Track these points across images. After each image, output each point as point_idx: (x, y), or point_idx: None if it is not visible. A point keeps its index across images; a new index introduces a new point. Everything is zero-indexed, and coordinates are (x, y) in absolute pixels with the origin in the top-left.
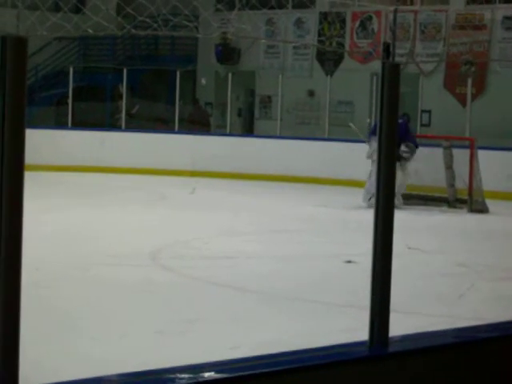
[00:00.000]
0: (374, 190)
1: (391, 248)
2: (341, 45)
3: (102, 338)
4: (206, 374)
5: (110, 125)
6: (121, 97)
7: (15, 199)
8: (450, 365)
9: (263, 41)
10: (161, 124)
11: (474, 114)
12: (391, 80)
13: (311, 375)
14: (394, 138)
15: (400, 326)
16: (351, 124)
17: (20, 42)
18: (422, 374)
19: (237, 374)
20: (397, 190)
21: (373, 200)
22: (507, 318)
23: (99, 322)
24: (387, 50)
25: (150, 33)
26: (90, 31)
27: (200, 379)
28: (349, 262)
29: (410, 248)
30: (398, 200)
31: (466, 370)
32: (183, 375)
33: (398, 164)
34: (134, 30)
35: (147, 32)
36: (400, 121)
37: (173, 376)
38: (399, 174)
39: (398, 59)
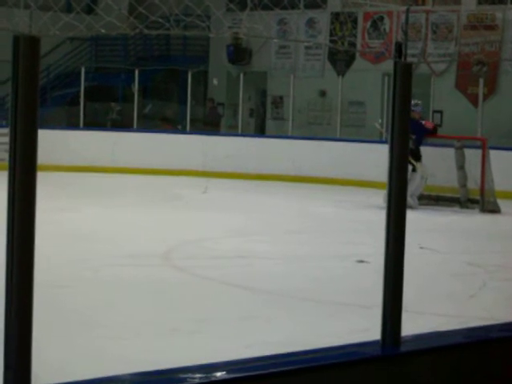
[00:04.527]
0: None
1: (403, 248)
2: (352, 44)
3: (115, 337)
4: (218, 374)
5: (104, 125)
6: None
7: (28, 199)
8: (462, 364)
9: (275, 41)
10: (167, 124)
11: (485, 114)
12: (403, 79)
13: (324, 374)
14: (406, 137)
15: (412, 325)
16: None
17: (33, 42)
18: (434, 374)
19: (249, 374)
20: (413, 191)
21: (416, 200)
22: None
23: (112, 322)
24: (399, 50)
25: (162, 32)
26: (103, 31)
27: (212, 379)
28: (361, 261)
29: (422, 248)
30: (413, 201)
31: (478, 369)
32: (195, 375)
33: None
34: (146, 30)
35: (159, 31)
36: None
37: (185, 375)
38: (417, 177)
39: (409, 59)
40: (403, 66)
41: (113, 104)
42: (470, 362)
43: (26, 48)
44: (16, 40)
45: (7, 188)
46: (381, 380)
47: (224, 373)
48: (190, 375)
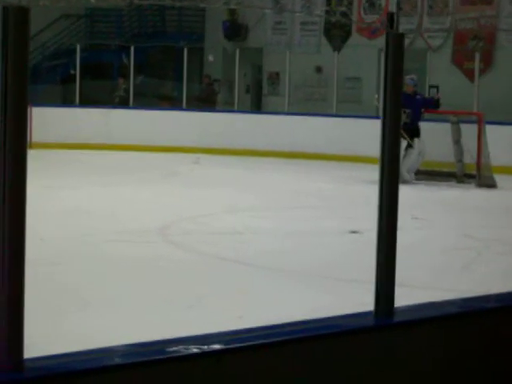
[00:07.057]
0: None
1: (396, 219)
2: (346, 15)
3: (111, 311)
4: (212, 344)
5: (109, 102)
6: (126, 71)
7: (18, 175)
8: (456, 335)
9: (270, 17)
10: (167, 102)
11: (481, 89)
12: (395, 50)
13: (317, 345)
14: (399, 109)
15: (406, 299)
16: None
17: (22, 12)
18: (428, 344)
19: (242, 345)
20: (410, 167)
21: (412, 175)
22: None
23: (106, 298)
24: (391, 20)
25: (154, 2)
26: (92, 1)
27: (206, 349)
28: (354, 232)
29: (415, 218)
30: (410, 176)
31: (472, 339)
32: (188, 346)
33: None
34: (137, 0)
35: (151, 1)
36: (418, 97)
37: (177, 347)
38: (414, 153)
39: (404, 32)
40: (395, 36)
41: (120, 80)
42: (465, 333)
43: (16, 19)
44: (5, 11)
45: None
46: (374, 350)
47: (218, 343)
48: (182, 346)
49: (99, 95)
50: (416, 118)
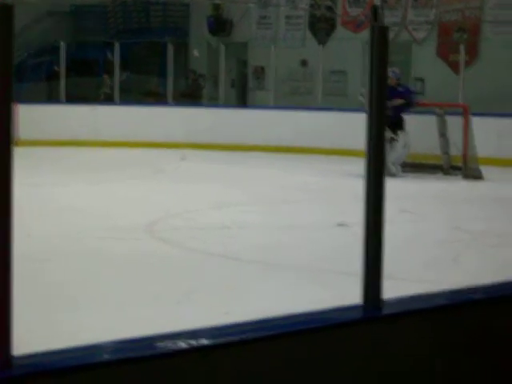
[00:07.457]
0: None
1: (383, 212)
2: (331, 9)
3: (98, 309)
4: (200, 339)
5: (95, 99)
6: (111, 67)
7: (4, 172)
8: (444, 326)
9: (255, 11)
10: (152, 98)
11: (467, 81)
12: (380, 43)
13: (305, 338)
14: (384, 102)
15: (395, 292)
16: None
17: (6, 9)
18: (416, 336)
19: (229, 339)
20: (395, 160)
21: (399, 167)
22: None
23: (95, 294)
24: (375, 13)
25: None
26: None
27: (194, 345)
28: (341, 225)
29: (403, 211)
30: (396, 168)
31: (460, 331)
32: (176, 341)
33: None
34: None
35: None
36: (400, 89)
37: (166, 342)
38: (399, 146)
39: (389, 25)
40: (379, 29)
41: (105, 76)
42: (453, 324)
43: (0, 16)
44: None
45: None
46: (363, 343)
47: (205, 338)
48: (170, 341)
49: (85, 92)
50: (398, 110)
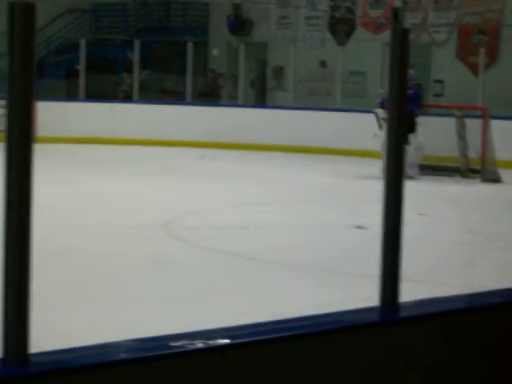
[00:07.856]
0: (408, 161)
1: (401, 215)
2: (351, 10)
3: (116, 307)
4: (216, 339)
5: (113, 97)
6: (130, 65)
7: (25, 170)
8: (461, 330)
9: (275, 11)
10: (171, 96)
11: (486, 83)
12: (401, 45)
13: (321, 340)
14: (404, 104)
15: (411, 294)
16: (375, 115)
17: (28, 8)
18: (432, 339)
19: (247, 340)
20: (410, 162)
21: (416, 170)
22: None
23: (112, 292)
24: (396, 16)
25: None
26: None
27: (211, 344)
28: (360, 227)
29: (420, 214)
30: (413, 171)
31: (477, 335)
32: (193, 341)
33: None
34: None
35: None
36: (411, 91)
37: (182, 342)
38: (411, 148)
39: (409, 27)
40: (400, 32)
41: (125, 75)
42: (470, 328)
43: (22, 14)
44: (11, 7)
45: (4, 159)
46: (380, 346)
47: (222, 338)
48: (187, 341)
49: (104, 90)
50: (411, 112)
